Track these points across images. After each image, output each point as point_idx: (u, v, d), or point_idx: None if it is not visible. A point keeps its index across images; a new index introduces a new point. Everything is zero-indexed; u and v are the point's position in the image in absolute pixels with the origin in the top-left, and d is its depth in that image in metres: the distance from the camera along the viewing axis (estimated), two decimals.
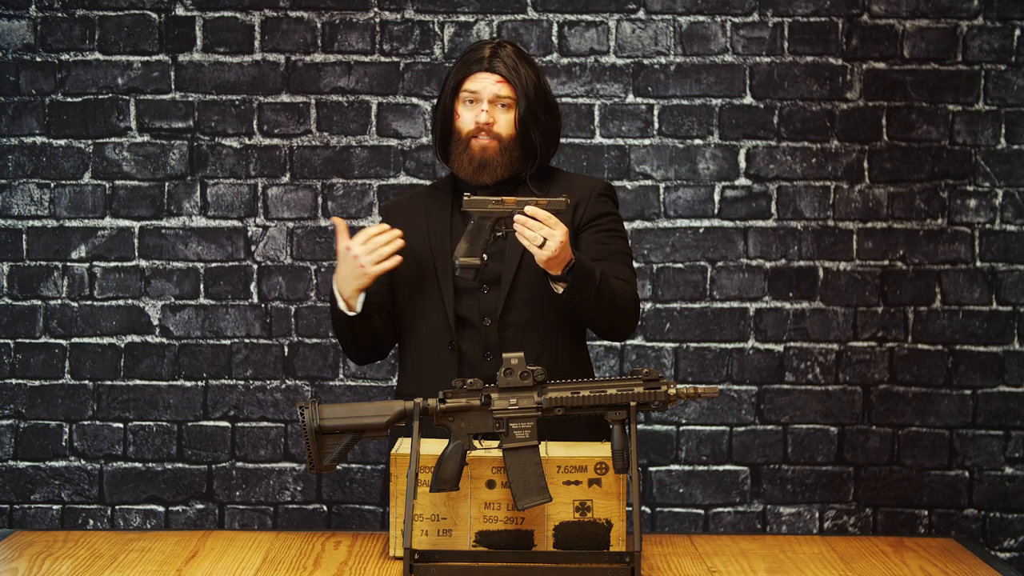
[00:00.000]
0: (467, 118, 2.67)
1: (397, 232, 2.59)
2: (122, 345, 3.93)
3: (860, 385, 3.93)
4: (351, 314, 2.63)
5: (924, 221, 3.92)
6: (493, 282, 2.65)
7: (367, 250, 2.57)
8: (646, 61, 3.91)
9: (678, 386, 2.34)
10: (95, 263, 3.92)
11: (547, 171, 2.77)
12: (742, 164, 3.92)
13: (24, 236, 3.92)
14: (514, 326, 2.64)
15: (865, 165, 3.91)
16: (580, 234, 2.69)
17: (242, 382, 3.93)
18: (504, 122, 2.66)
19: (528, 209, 2.48)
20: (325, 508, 3.94)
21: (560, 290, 2.54)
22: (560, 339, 2.69)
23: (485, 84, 2.65)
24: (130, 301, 3.93)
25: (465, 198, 2.54)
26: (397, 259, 2.59)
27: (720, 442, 3.94)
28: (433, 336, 2.67)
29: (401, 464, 2.35)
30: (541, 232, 2.46)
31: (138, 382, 3.93)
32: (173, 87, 3.92)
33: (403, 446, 2.41)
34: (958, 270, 3.92)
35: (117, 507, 3.94)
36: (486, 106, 2.65)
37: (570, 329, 2.71)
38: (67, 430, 3.93)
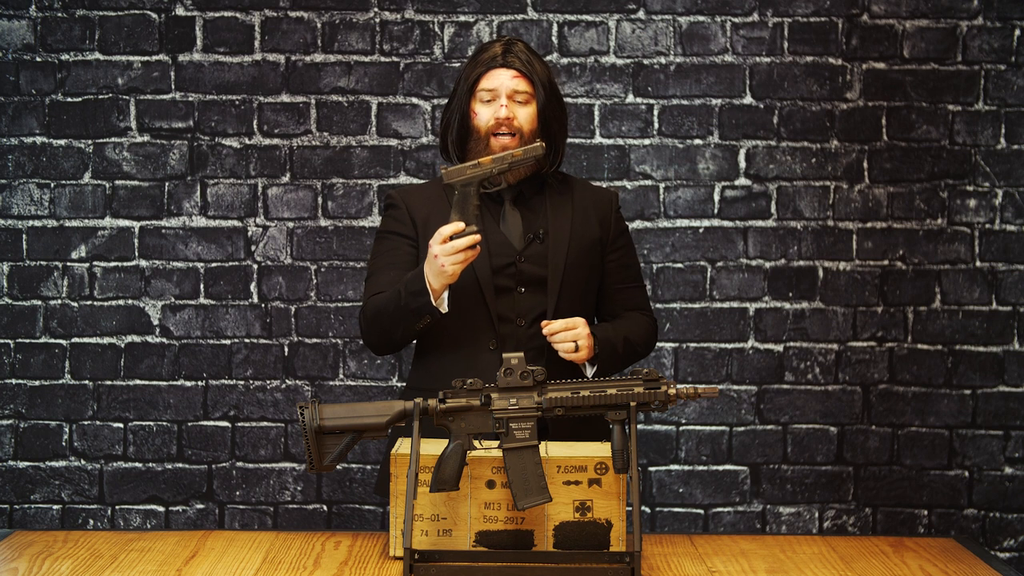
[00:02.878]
0: (486, 115, 2.66)
1: (474, 229, 2.50)
2: (122, 345, 3.93)
3: (860, 385, 3.93)
4: (443, 311, 2.58)
5: (924, 221, 3.92)
6: (528, 283, 2.67)
7: (445, 251, 2.50)
8: (646, 61, 3.91)
9: (678, 386, 2.34)
10: (95, 263, 3.92)
11: (559, 175, 2.78)
12: (742, 164, 3.92)
13: (24, 236, 3.92)
14: None
15: (865, 165, 3.91)
16: (608, 255, 2.75)
17: (242, 382, 3.93)
18: (524, 116, 2.67)
19: (547, 329, 2.57)
20: (325, 508, 3.94)
21: (590, 373, 2.66)
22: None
23: (502, 80, 2.65)
24: (130, 301, 3.93)
25: (443, 171, 2.54)
26: (476, 251, 2.52)
27: (720, 442, 3.94)
28: (470, 335, 2.66)
29: (401, 464, 2.35)
30: (570, 337, 2.57)
31: (138, 382, 3.93)
32: (173, 87, 3.92)
33: (403, 446, 2.41)
34: (958, 270, 3.92)
35: (117, 507, 3.94)
36: (505, 101, 2.65)
37: None
38: (67, 430, 3.93)
